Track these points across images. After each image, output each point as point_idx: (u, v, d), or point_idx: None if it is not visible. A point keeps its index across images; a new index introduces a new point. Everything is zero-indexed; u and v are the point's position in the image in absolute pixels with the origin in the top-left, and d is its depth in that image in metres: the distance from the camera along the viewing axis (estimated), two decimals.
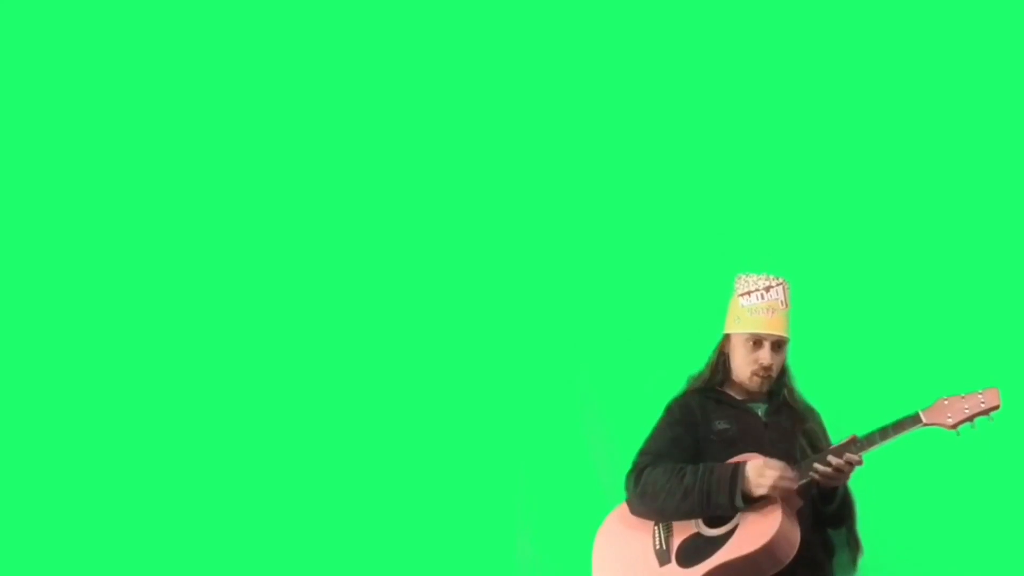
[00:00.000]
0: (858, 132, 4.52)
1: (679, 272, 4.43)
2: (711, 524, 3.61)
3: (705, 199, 4.53)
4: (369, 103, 4.76)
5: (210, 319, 4.60)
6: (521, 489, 4.37)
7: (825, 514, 3.69)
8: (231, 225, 4.69)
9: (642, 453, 3.76)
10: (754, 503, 3.54)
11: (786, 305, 3.79)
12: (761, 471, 3.52)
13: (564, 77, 4.69)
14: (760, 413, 3.80)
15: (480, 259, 4.58)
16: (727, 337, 3.83)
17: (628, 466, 3.75)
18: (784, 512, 3.52)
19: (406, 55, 4.78)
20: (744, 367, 3.78)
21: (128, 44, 4.84)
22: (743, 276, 3.83)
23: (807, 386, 3.88)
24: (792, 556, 3.52)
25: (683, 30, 4.68)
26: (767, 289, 3.78)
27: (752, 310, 3.76)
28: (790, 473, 3.54)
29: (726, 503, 3.54)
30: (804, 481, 3.55)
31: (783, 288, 3.80)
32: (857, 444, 3.52)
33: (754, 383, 3.78)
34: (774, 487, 3.51)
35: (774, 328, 3.75)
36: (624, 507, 3.76)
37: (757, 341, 3.76)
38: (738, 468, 3.55)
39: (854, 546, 3.77)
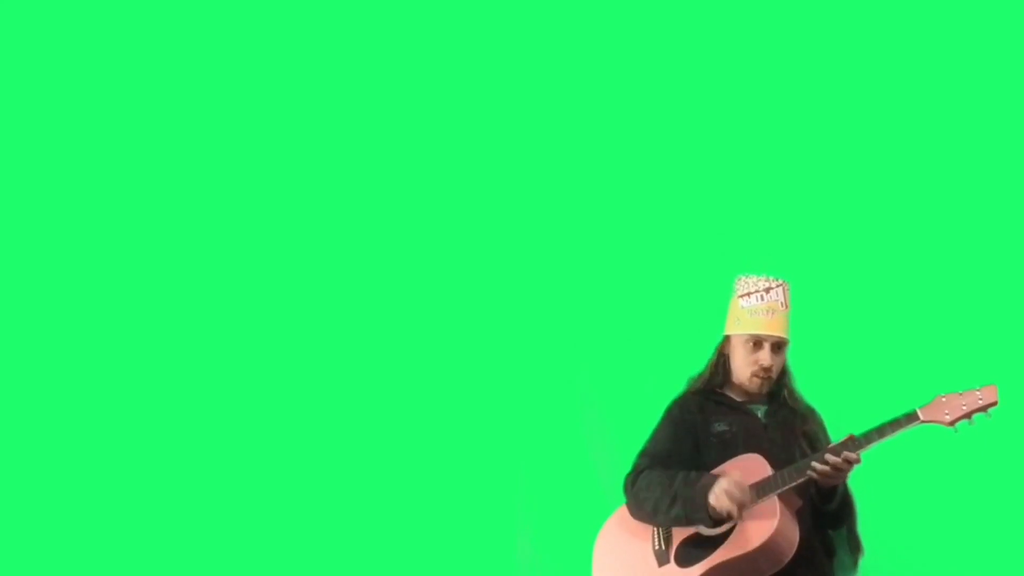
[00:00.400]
0: (857, 133, 4.53)
1: (679, 274, 4.43)
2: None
3: (705, 201, 4.54)
4: (369, 104, 4.78)
5: (211, 319, 4.62)
6: (522, 490, 4.38)
7: (825, 514, 3.68)
8: (232, 225, 4.70)
9: (642, 455, 3.77)
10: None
11: (786, 306, 3.78)
12: (719, 497, 3.51)
13: (564, 79, 4.71)
14: (760, 414, 3.79)
15: (481, 261, 4.59)
16: (727, 338, 3.83)
17: (628, 467, 3.76)
18: (783, 511, 3.52)
19: (406, 56, 4.80)
20: (744, 368, 3.78)
21: (128, 44, 4.86)
22: (743, 277, 3.82)
23: (807, 386, 3.88)
24: (791, 555, 3.52)
25: (683, 32, 4.69)
26: (767, 290, 3.78)
27: (752, 311, 3.76)
28: (749, 500, 3.52)
29: (704, 519, 3.56)
30: (802, 480, 3.54)
31: (783, 289, 3.79)
32: (855, 442, 3.52)
33: (754, 384, 3.78)
34: (730, 515, 3.51)
35: (774, 329, 3.75)
36: (624, 509, 3.76)
37: (757, 342, 3.76)
38: (709, 487, 3.54)
39: (854, 546, 3.76)
